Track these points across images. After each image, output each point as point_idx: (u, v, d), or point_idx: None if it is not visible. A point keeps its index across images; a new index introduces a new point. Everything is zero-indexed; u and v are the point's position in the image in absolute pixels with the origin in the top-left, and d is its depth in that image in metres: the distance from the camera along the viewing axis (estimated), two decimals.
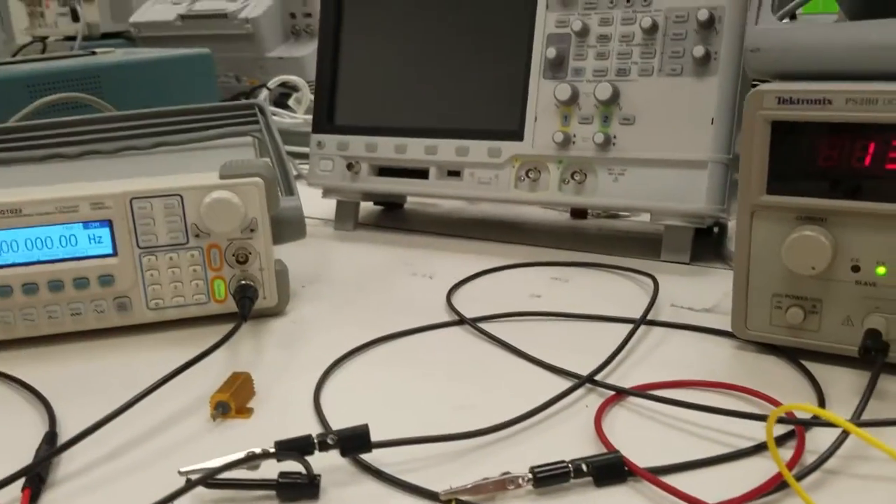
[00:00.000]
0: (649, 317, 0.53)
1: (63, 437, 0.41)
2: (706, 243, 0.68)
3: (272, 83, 1.37)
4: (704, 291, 0.58)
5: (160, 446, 0.40)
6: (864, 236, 0.42)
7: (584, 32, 0.65)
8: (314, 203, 0.80)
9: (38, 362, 0.50)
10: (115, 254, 0.52)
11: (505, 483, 0.34)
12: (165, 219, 0.52)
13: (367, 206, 0.88)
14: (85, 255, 0.52)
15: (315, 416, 0.42)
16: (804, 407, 0.27)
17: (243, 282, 0.54)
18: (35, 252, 0.51)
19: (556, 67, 0.66)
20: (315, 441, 0.36)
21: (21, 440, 0.41)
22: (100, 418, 0.39)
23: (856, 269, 0.43)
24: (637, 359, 0.48)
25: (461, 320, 0.54)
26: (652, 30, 0.63)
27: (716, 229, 0.71)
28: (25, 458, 0.38)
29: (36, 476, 0.36)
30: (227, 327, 0.49)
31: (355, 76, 0.76)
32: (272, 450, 0.36)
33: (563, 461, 0.35)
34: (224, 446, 0.40)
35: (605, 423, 0.40)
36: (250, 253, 0.54)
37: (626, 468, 0.35)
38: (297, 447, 0.36)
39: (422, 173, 0.73)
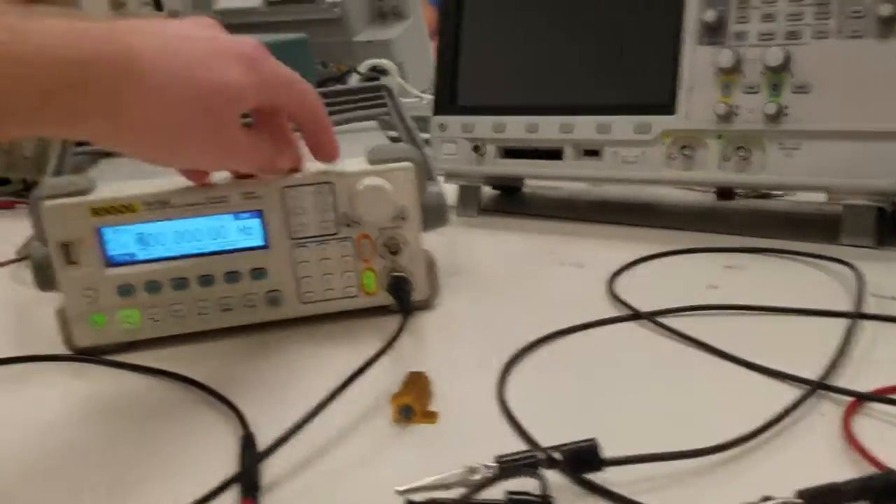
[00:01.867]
0: (853, 309, 0.47)
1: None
2: (885, 225, 0.61)
3: (362, 67, 1.33)
4: None
5: (352, 453, 0.37)
6: None
7: None
8: None
9: (193, 360, 0.48)
10: (266, 246, 0.49)
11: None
12: (316, 208, 0.49)
13: (483, 191, 0.83)
14: (236, 247, 0.49)
15: (506, 423, 0.38)
16: None
17: (396, 273, 0.51)
18: (184, 245, 0.48)
19: (715, 32, 0.60)
20: (541, 458, 0.32)
21: (212, 442, 0.39)
22: (292, 420, 0.36)
23: None
24: (859, 359, 0.42)
25: (636, 314, 0.49)
26: None
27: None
28: (222, 462, 0.36)
29: (251, 483, 0.33)
30: (376, 321, 0.47)
31: (480, 53, 0.72)
32: (492, 465, 0.32)
33: (836, 483, 0.30)
34: (416, 454, 0.37)
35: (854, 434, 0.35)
36: (402, 243, 0.50)
37: None
38: (522, 464, 0.32)
39: (554, 154, 0.68)
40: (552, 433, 0.36)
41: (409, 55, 1.46)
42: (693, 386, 0.41)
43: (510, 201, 0.81)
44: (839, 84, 0.56)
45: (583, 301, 0.53)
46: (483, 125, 0.70)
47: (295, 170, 0.48)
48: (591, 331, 0.48)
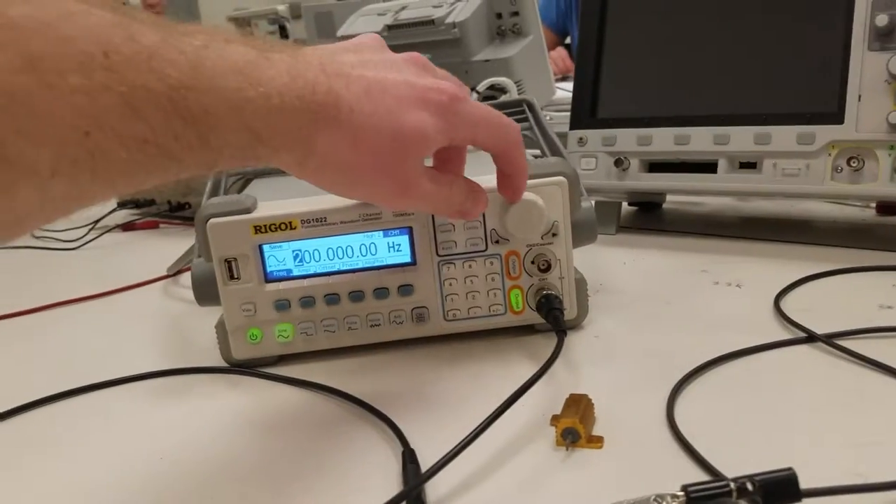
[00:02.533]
0: None
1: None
2: None
3: (481, 86, 1.34)
4: None
5: (516, 476, 0.36)
6: None
7: None
8: None
9: (345, 374, 0.48)
10: (414, 262, 0.49)
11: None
12: (465, 225, 0.48)
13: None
14: (384, 263, 0.49)
15: (678, 450, 0.36)
16: None
17: (545, 291, 0.49)
18: (336, 261, 0.49)
19: (887, 37, 0.56)
20: (733, 487, 0.29)
21: (372, 458, 0.38)
22: (455, 441, 0.35)
23: None
24: None
25: (810, 337, 0.45)
26: None
27: None
28: (384, 478, 0.36)
29: (418, 501, 0.33)
30: (523, 340, 0.46)
31: (623, 62, 0.69)
32: (679, 493, 0.29)
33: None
34: (587, 481, 0.35)
35: None
36: (552, 260, 0.49)
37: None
38: (713, 494, 0.29)
39: (704, 167, 0.64)
40: (730, 461, 0.34)
41: (527, 72, 1.45)
42: (880, 412, 0.37)
43: (649, 218, 0.78)
44: None
45: (748, 322, 0.49)
46: (626, 138, 0.68)
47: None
48: (761, 354, 0.45)
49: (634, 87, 0.69)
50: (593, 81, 0.71)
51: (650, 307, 0.54)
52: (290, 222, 0.47)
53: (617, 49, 0.70)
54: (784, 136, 0.60)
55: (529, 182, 0.47)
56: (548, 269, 0.49)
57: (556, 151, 0.60)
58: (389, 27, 1.55)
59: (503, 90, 1.35)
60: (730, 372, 0.43)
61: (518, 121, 0.66)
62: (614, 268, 0.63)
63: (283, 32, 1.83)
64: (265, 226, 0.47)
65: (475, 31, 1.45)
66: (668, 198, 0.80)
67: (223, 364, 0.50)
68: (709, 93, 0.64)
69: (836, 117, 0.58)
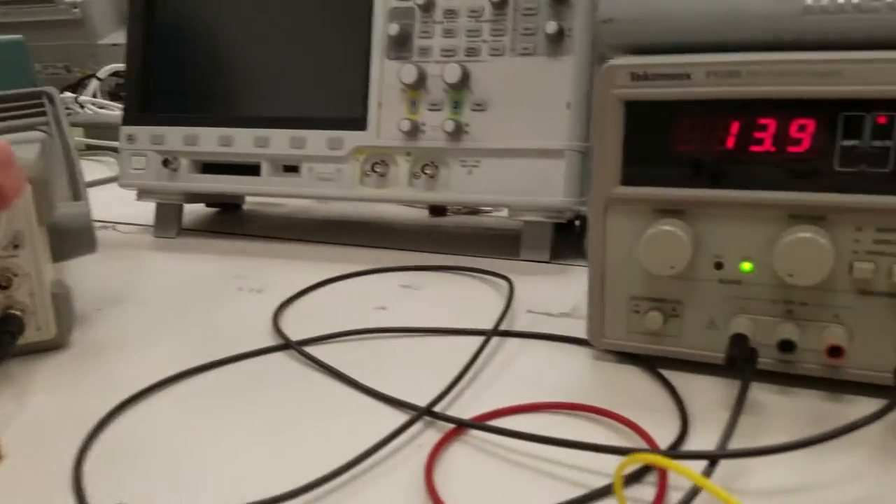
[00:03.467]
0: (505, 326, 0.46)
1: None
2: (568, 240, 0.63)
3: (102, 72, 1.22)
4: (565, 293, 0.53)
5: None
6: (727, 229, 0.37)
7: (429, 6, 0.58)
8: (132, 207, 0.70)
9: None
10: None
11: None
12: None
13: (198, 210, 0.77)
14: None
15: (73, 491, 0.33)
16: (653, 458, 0.21)
17: (8, 310, 0.43)
18: None
19: (400, 46, 0.59)
20: None
21: None
22: None
23: (719, 266, 0.38)
24: (488, 379, 0.41)
25: (285, 345, 0.46)
26: (502, 3, 0.56)
27: (577, 223, 0.66)
28: None
29: None
30: None
31: (172, 58, 0.66)
32: None
33: None
34: None
35: (442, 465, 0.33)
36: (16, 275, 0.43)
37: None
38: None
39: (253, 169, 0.63)
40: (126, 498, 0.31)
41: None
42: (312, 421, 0.38)
43: (226, 221, 0.76)
44: (513, 101, 0.56)
45: (248, 331, 0.48)
46: (174, 137, 0.65)
47: None
48: (237, 364, 0.44)
49: (183, 85, 0.65)
50: (142, 77, 0.66)
51: (160, 318, 0.51)
52: None
53: (165, 42, 0.66)
54: (317, 140, 0.61)
55: None
56: (9, 285, 0.43)
57: (67, 152, 0.55)
58: (1, 2, 1.36)
59: None
60: (190, 387, 0.42)
61: (35, 115, 0.59)
62: (151, 275, 0.60)
63: None
64: None
65: (100, 13, 1.33)
66: (249, 199, 0.79)
67: None
68: (251, 95, 0.63)
69: (361, 123, 0.60)
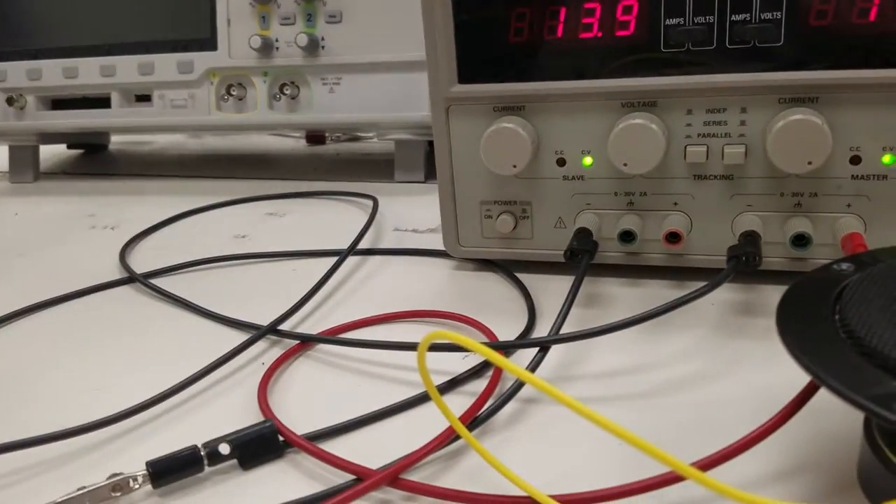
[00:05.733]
0: (370, 245, 0.45)
1: None
2: None
3: None
4: (435, 211, 0.52)
5: None
6: (566, 123, 0.36)
7: None
8: None
9: None
10: None
11: (111, 489, 0.25)
12: None
13: (59, 151, 0.73)
14: None
15: None
16: (449, 335, 0.20)
17: None
18: None
19: None
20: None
21: None
22: None
23: (561, 162, 0.37)
24: (345, 296, 0.40)
25: (130, 278, 0.43)
26: None
27: None
28: None
29: None
30: None
31: None
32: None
33: (193, 446, 0.26)
34: None
35: (286, 380, 0.32)
36: None
37: (283, 439, 0.27)
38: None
39: (103, 101, 0.59)
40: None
41: None
42: (152, 349, 0.36)
43: (90, 161, 0.71)
44: (370, 12, 0.54)
45: (96, 267, 0.46)
46: (16, 72, 0.60)
47: None
48: (81, 300, 0.42)
49: (22, 15, 0.60)
50: None
51: (5, 260, 0.48)
52: None
53: None
54: (166, 64, 0.57)
55: None
56: None
57: None
58: None
59: None
60: (28, 325, 0.39)
61: None
62: (1, 220, 0.56)
63: None
64: None
65: None
66: (116, 138, 0.74)
67: None
68: (92, 20, 0.59)
69: (211, 43, 0.56)
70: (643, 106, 0.35)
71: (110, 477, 0.25)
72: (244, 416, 0.30)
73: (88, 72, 0.58)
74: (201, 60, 0.56)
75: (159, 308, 0.40)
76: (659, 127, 0.34)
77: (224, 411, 0.30)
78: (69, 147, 0.72)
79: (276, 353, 0.34)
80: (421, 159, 0.58)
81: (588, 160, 0.37)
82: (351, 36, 0.54)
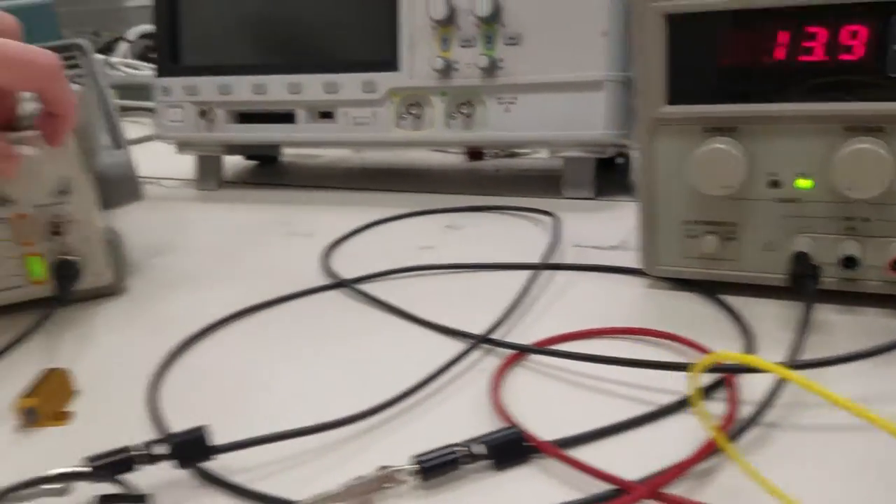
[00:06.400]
0: (552, 260, 0.46)
1: None
2: (611, 176, 0.63)
3: (131, 34, 1.22)
4: (612, 227, 0.53)
5: None
6: (781, 146, 0.37)
7: None
8: (168, 161, 0.70)
9: None
10: None
11: (384, 480, 0.27)
12: None
13: (237, 163, 0.78)
14: None
15: (151, 418, 0.34)
16: (731, 355, 0.21)
17: (62, 257, 0.44)
18: None
19: None
20: (136, 453, 0.28)
21: None
22: None
23: (774, 184, 0.37)
24: (541, 310, 0.41)
25: (340, 283, 0.46)
26: None
27: (619, 159, 0.65)
28: None
29: None
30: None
31: (201, 5, 0.66)
32: (83, 468, 0.27)
33: (451, 445, 0.28)
34: (37, 461, 0.31)
35: (506, 389, 0.34)
36: (67, 221, 0.44)
37: (528, 444, 0.29)
38: (117, 462, 0.27)
39: (288, 117, 0.63)
40: (201, 421, 0.32)
41: None
42: (373, 353, 0.38)
43: (265, 172, 0.76)
44: (547, 33, 0.55)
45: (301, 272, 0.49)
46: (208, 87, 0.65)
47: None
48: (292, 303, 0.45)
49: (214, 33, 0.65)
50: (171, 26, 0.66)
51: (212, 264, 0.52)
52: None
53: None
54: (351, 84, 0.61)
55: (23, 134, 0.42)
56: (60, 231, 0.44)
57: (104, 102, 0.55)
58: None
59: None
60: (249, 324, 0.42)
61: (69, 67, 0.59)
62: (198, 226, 0.60)
63: None
64: None
65: None
66: (287, 151, 0.79)
67: None
68: (282, 40, 0.63)
69: (393, 64, 0.59)
70: (868, 131, 0.34)
71: (380, 469, 0.28)
72: (474, 420, 0.31)
73: (276, 88, 0.62)
74: (384, 81, 0.59)
75: (367, 312, 0.43)
76: (886, 152, 0.34)
77: (455, 412, 0.32)
78: (246, 158, 0.77)
79: (490, 361, 0.36)
80: (590, 175, 0.59)
81: (804, 183, 0.37)
82: (529, 57, 0.56)
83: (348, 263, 0.49)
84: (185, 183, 0.71)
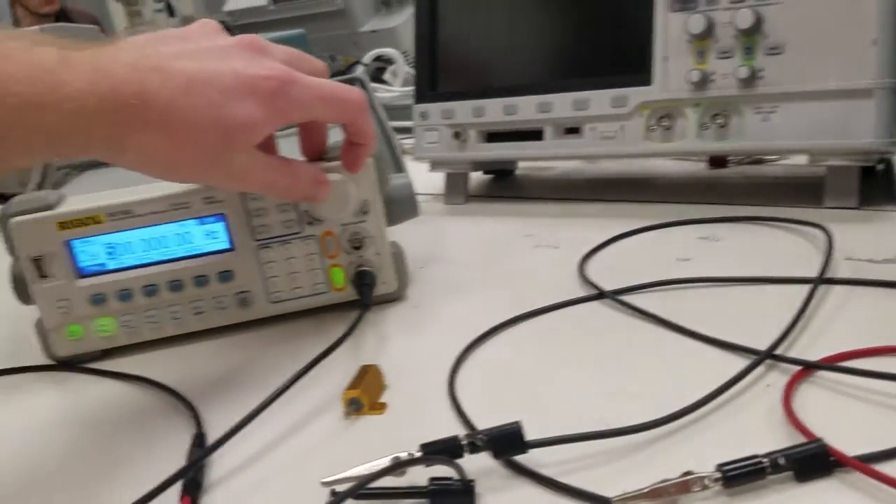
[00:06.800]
0: (825, 274, 0.45)
1: (209, 439, 0.39)
2: (873, 183, 0.59)
3: (367, 58, 1.34)
4: (882, 239, 0.50)
5: (299, 448, 0.38)
6: None
7: None
8: (420, 178, 0.77)
9: (168, 364, 0.49)
10: (232, 248, 0.50)
11: (689, 485, 0.29)
12: (277, 208, 0.50)
13: (476, 177, 0.83)
14: (202, 251, 0.50)
15: (453, 409, 0.39)
16: None
17: (361, 268, 0.51)
18: (152, 252, 0.50)
19: None
20: (464, 443, 0.32)
21: (167, 444, 0.39)
22: (241, 418, 0.37)
23: None
24: (819, 326, 0.41)
25: (600, 294, 0.48)
26: None
27: (880, 166, 0.61)
28: (175, 462, 0.37)
29: (192, 481, 0.34)
30: (348, 315, 0.46)
31: (456, 37, 0.71)
32: (418, 454, 0.32)
33: (756, 455, 0.29)
34: (361, 446, 0.37)
35: (795, 404, 0.34)
36: (365, 237, 0.51)
37: (832, 458, 0.29)
38: (445, 450, 0.32)
39: (535, 134, 0.67)
40: (496, 418, 0.36)
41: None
42: (645, 363, 0.40)
43: (503, 185, 0.81)
44: (812, 42, 0.54)
45: (555, 283, 0.52)
46: (463, 110, 0.70)
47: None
48: (555, 313, 0.48)
49: (468, 59, 0.71)
50: (431, 56, 0.72)
51: (472, 274, 0.57)
52: (95, 216, 0.47)
53: (449, 22, 0.71)
54: (600, 100, 0.63)
55: (334, 164, 0.49)
56: (361, 246, 0.51)
57: (384, 130, 0.62)
58: (276, 0, 1.54)
59: (390, 61, 1.36)
60: (522, 331, 0.46)
61: None
62: (453, 238, 0.66)
63: (170, 9, 1.79)
64: (70, 221, 0.47)
65: (360, 2, 1.45)
66: (521, 164, 0.83)
67: (49, 362, 0.51)
68: (532, 63, 0.67)
69: (645, 79, 0.61)
70: None
71: (683, 475, 0.29)
72: (770, 431, 0.32)
73: (526, 108, 0.66)
74: (636, 95, 0.61)
75: (630, 323, 0.45)
76: None
77: (747, 425, 0.33)
78: (484, 173, 0.82)
79: (775, 377, 0.36)
80: (855, 185, 0.56)
81: None
82: (792, 66, 0.55)
83: (603, 275, 0.51)
84: (434, 197, 0.77)
